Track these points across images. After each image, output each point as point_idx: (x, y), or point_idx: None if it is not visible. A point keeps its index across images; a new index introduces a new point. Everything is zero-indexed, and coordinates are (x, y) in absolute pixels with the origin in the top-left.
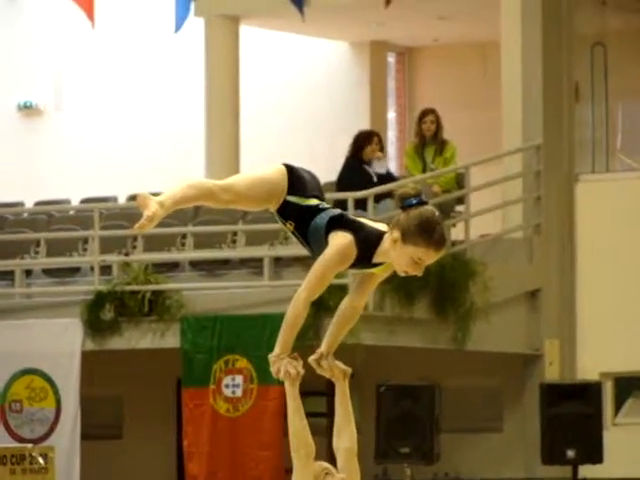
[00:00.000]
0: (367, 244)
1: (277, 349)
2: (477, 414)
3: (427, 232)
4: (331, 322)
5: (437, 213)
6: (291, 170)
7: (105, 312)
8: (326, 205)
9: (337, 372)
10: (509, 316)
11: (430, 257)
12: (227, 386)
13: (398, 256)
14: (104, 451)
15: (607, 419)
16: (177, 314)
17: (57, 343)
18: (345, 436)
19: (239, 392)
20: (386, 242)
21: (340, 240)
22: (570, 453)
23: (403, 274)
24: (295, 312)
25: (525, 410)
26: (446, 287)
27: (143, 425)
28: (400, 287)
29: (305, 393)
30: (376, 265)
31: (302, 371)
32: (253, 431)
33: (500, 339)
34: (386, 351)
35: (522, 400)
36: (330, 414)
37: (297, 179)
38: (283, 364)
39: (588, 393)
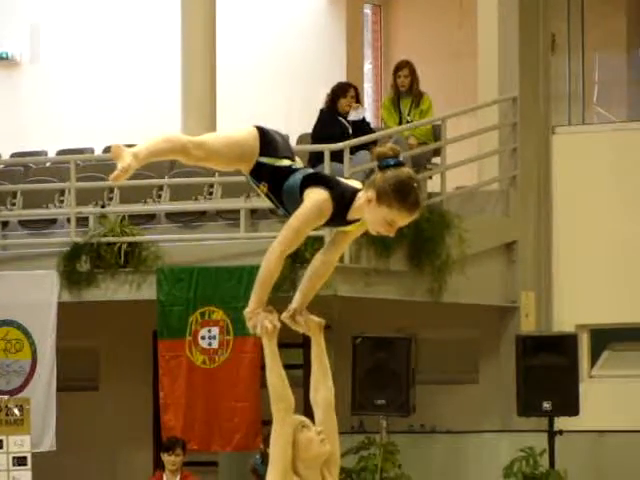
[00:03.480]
0: (342, 201)
1: (252, 304)
2: (453, 366)
3: (402, 195)
4: (303, 277)
5: (414, 175)
6: (262, 132)
7: (81, 264)
8: (299, 165)
9: (312, 325)
10: (485, 268)
11: (403, 219)
12: (203, 338)
13: (372, 216)
14: (80, 403)
15: (583, 371)
16: (153, 266)
17: (33, 295)
18: (322, 389)
19: (215, 344)
20: (361, 200)
21: (316, 195)
22: (546, 405)
23: (375, 233)
24: (269, 267)
25: (501, 362)
26: (422, 239)
27: (119, 377)
28: (376, 239)
29: (281, 345)
30: (350, 223)
31: (279, 324)
32: (229, 383)
33: (476, 291)
34: (362, 303)
35: (498, 352)
36: (307, 366)
37: (269, 141)
38: (260, 319)
39: (564, 345)
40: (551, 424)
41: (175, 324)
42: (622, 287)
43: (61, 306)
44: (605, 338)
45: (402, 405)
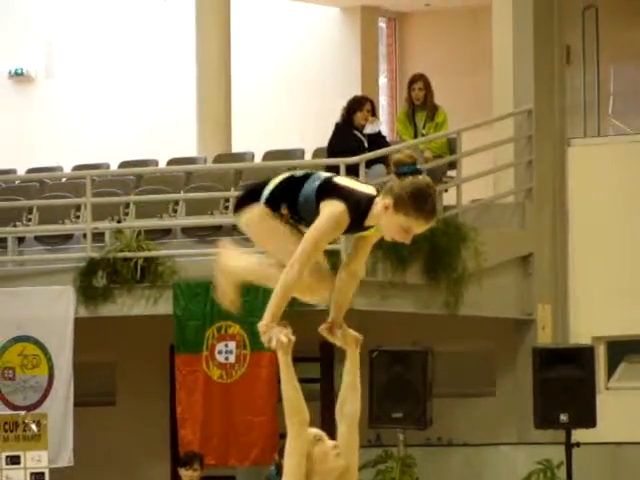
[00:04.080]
0: (359, 210)
1: (266, 318)
2: (470, 379)
3: (419, 202)
4: (333, 291)
5: (431, 184)
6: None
7: (98, 279)
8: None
9: (349, 340)
10: (501, 281)
11: (420, 227)
12: (220, 352)
13: (388, 223)
14: (97, 418)
15: (600, 383)
16: (169, 280)
17: (50, 310)
18: (350, 403)
19: (232, 358)
20: (377, 207)
21: (332, 208)
22: (563, 417)
23: (390, 240)
24: (287, 282)
25: (518, 374)
26: (438, 252)
27: (136, 392)
28: (392, 252)
29: (298, 359)
30: (367, 228)
31: (293, 338)
32: (246, 397)
33: (492, 304)
34: (379, 316)
35: (515, 365)
36: (323, 380)
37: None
38: (274, 333)
39: (581, 357)
40: (568, 436)
41: (192, 339)
42: (638, 299)
43: (77, 321)
44: (622, 350)
45: (419, 418)
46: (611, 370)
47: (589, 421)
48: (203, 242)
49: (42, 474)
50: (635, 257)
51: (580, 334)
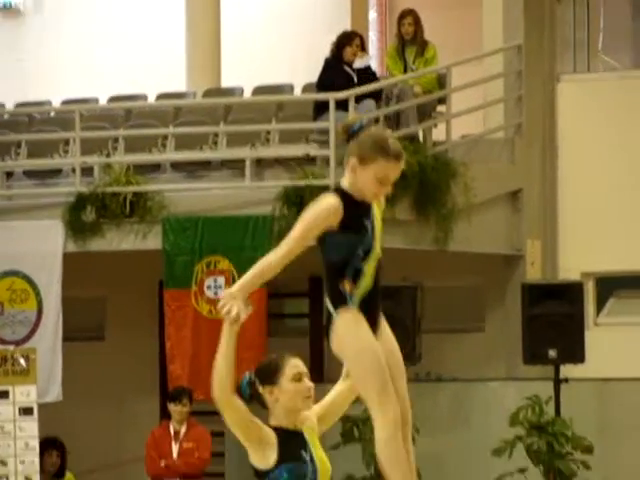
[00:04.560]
0: (345, 193)
1: (235, 286)
2: (459, 314)
3: (381, 146)
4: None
5: (382, 129)
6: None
7: (87, 214)
8: None
9: None
10: (491, 217)
11: (393, 170)
12: (209, 287)
13: (363, 182)
14: (86, 353)
15: (589, 319)
16: (158, 215)
17: (39, 245)
18: None
19: (221, 293)
20: (347, 174)
21: (323, 198)
22: (552, 353)
23: (375, 199)
24: (268, 264)
25: (507, 310)
26: (428, 188)
27: (125, 327)
28: None
29: (287, 295)
30: (368, 207)
31: (244, 317)
32: None
33: (482, 240)
34: None
35: (504, 300)
36: (312, 315)
37: None
38: (232, 304)
39: (569, 293)
40: (557, 372)
41: (181, 274)
42: (627, 235)
43: (66, 256)
44: (610, 286)
45: (408, 354)
46: (600, 306)
47: (578, 357)
48: (192, 177)
49: (31, 409)
50: (624, 193)
51: (569, 270)
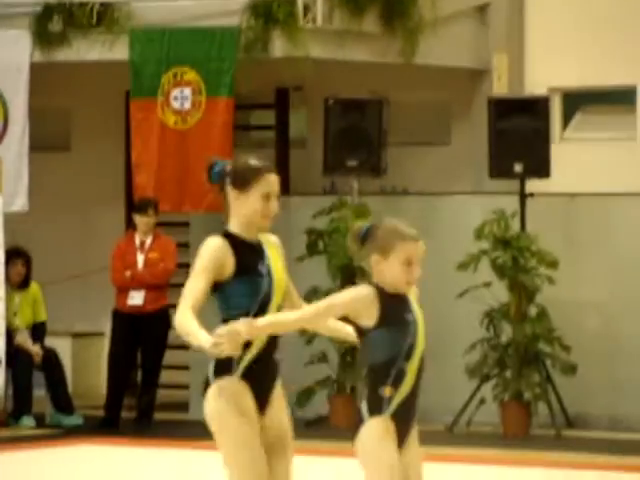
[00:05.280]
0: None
1: (244, 327)
2: (425, 128)
3: (395, 232)
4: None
5: (390, 222)
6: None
7: (53, 24)
8: None
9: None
10: (458, 30)
11: (416, 250)
12: (176, 98)
13: (390, 273)
14: (52, 163)
15: (555, 134)
16: (126, 26)
17: (5, 55)
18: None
19: (187, 104)
20: (374, 271)
21: (359, 288)
22: (517, 167)
23: (408, 286)
24: (288, 324)
25: (473, 125)
26: (394, 0)
27: (91, 137)
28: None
29: (253, 106)
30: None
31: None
32: (202, 144)
33: (449, 53)
34: (334, 65)
35: (470, 114)
36: (277, 126)
37: None
38: (229, 344)
39: (536, 107)
40: (522, 186)
41: (147, 84)
42: (595, 49)
43: (33, 66)
44: (577, 101)
45: (374, 166)
46: (566, 121)
47: (543, 171)
48: None
49: None
50: (593, 6)
51: (536, 84)
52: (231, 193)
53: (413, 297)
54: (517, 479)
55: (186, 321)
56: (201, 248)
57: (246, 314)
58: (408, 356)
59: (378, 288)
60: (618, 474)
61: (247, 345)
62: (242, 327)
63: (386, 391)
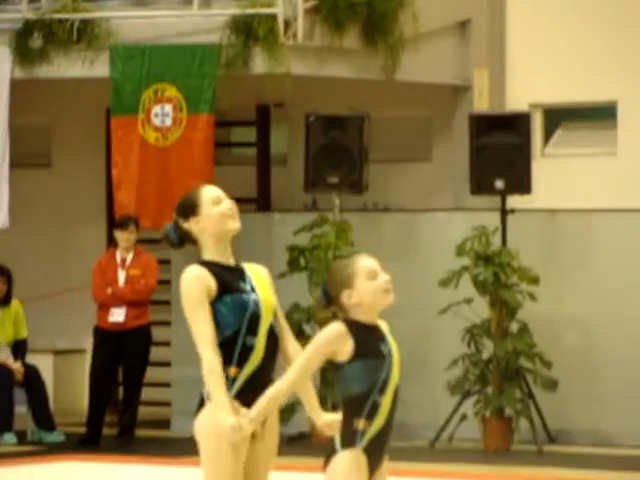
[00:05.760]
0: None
1: (257, 412)
2: (406, 145)
3: (346, 263)
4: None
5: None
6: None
7: (34, 40)
8: None
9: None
10: (439, 46)
11: (371, 261)
12: (156, 115)
13: (365, 295)
14: (33, 180)
15: (536, 150)
16: (106, 43)
17: None
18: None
19: (168, 121)
20: (350, 307)
21: (329, 329)
22: (499, 184)
23: (389, 295)
24: (280, 395)
25: (454, 141)
26: (375, 17)
27: (72, 155)
28: (329, 16)
29: (234, 123)
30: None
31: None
32: (183, 161)
33: (430, 69)
34: (316, 82)
35: (451, 131)
36: (260, 143)
37: None
38: (244, 433)
39: (517, 124)
40: (503, 203)
41: (128, 101)
42: (576, 66)
43: (13, 83)
44: (558, 116)
45: (355, 183)
46: (547, 136)
47: (524, 187)
48: (140, 4)
49: None
50: (573, 23)
51: (517, 100)
52: (191, 224)
53: (386, 330)
54: None
55: (213, 379)
56: (182, 284)
57: (237, 333)
58: (382, 389)
59: (349, 323)
60: None
61: (240, 364)
62: (244, 424)
63: (360, 424)
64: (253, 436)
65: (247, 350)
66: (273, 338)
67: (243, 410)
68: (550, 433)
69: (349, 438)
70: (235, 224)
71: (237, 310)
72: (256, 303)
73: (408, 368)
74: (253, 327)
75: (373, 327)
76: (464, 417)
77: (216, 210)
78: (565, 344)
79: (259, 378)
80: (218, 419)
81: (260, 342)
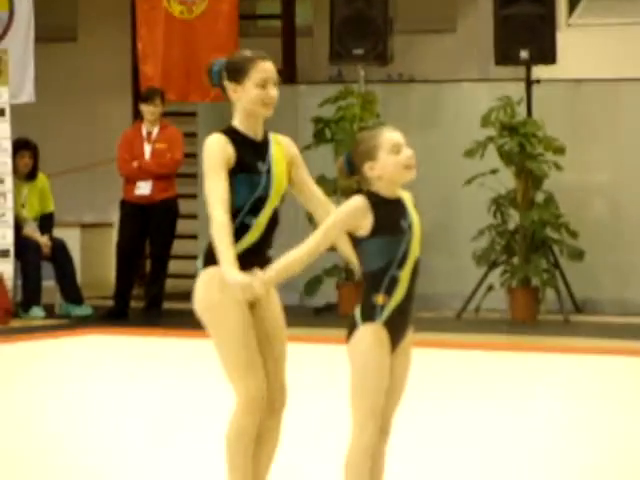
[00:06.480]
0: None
1: (273, 274)
2: (431, 15)
3: (373, 134)
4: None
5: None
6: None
7: None
8: None
9: None
10: None
11: (398, 136)
12: None
13: (388, 166)
14: (59, 54)
15: (561, 20)
16: None
17: None
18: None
19: None
20: (371, 179)
21: (351, 202)
22: (524, 54)
23: (410, 171)
24: (298, 262)
25: (479, 11)
26: None
27: (98, 28)
28: None
29: None
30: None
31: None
32: (208, 34)
33: None
34: None
35: (476, 1)
36: (284, 16)
37: None
38: (256, 291)
39: None
40: (528, 73)
41: None
42: None
43: None
44: None
45: (380, 54)
46: (572, 6)
47: (549, 58)
48: None
49: (3, 110)
50: None
51: None
52: (230, 87)
53: (409, 202)
54: (525, 365)
55: (222, 238)
56: (204, 149)
57: (238, 211)
58: (401, 264)
59: (371, 196)
60: (626, 358)
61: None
62: (257, 284)
63: (379, 299)
64: (252, 306)
65: (245, 228)
66: (274, 219)
67: (256, 270)
68: (576, 303)
69: (369, 312)
70: (266, 113)
71: (245, 189)
72: (267, 184)
73: (434, 239)
74: (257, 207)
75: (394, 201)
76: (491, 287)
77: (256, 92)
78: (591, 213)
79: (257, 254)
80: (227, 276)
81: (261, 222)
